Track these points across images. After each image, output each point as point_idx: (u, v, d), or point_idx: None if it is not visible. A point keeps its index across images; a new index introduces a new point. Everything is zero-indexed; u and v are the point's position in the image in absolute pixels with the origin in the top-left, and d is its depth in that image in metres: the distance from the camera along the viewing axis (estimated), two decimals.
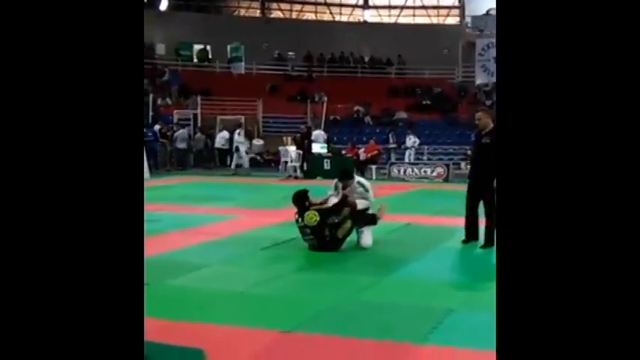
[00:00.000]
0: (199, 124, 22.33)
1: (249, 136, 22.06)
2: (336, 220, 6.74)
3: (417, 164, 18.84)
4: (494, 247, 6.86)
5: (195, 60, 28.45)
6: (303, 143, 18.55)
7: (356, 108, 23.91)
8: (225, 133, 21.28)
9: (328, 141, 19.18)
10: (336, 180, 7.45)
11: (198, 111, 23.01)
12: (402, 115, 23.77)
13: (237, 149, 18.89)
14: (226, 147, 21.15)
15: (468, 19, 28.28)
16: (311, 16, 31.45)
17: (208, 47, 28.40)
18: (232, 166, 18.86)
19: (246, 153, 19.14)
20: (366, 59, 28.87)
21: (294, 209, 6.98)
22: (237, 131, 19.49)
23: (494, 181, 6.81)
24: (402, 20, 30.87)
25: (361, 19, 31.11)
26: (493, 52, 23.62)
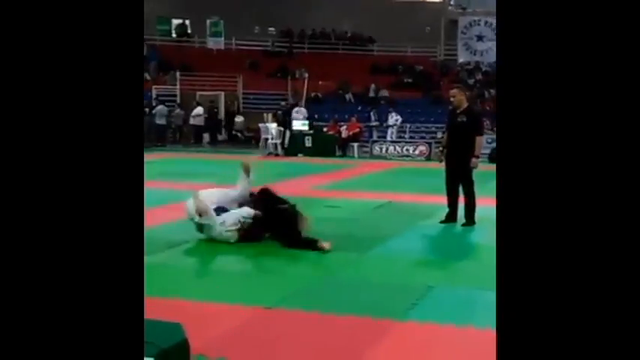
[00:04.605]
0: (178, 100, 22.06)
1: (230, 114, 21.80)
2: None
3: (399, 142, 18.82)
4: (474, 226, 6.90)
5: (173, 35, 27.95)
6: (285, 120, 18.39)
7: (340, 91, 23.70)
8: (200, 109, 21.01)
9: (308, 118, 19.05)
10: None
11: (177, 87, 22.69)
12: (384, 92, 23.67)
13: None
14: (201, 124, 20.91)
15: None
16: None
17: (187, 22, 27.91)
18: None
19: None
20: (348, 35, 28.59)
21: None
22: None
23: (471, 159, 6.85)
24: None
25: None
26: (475, 31, 23.57)
